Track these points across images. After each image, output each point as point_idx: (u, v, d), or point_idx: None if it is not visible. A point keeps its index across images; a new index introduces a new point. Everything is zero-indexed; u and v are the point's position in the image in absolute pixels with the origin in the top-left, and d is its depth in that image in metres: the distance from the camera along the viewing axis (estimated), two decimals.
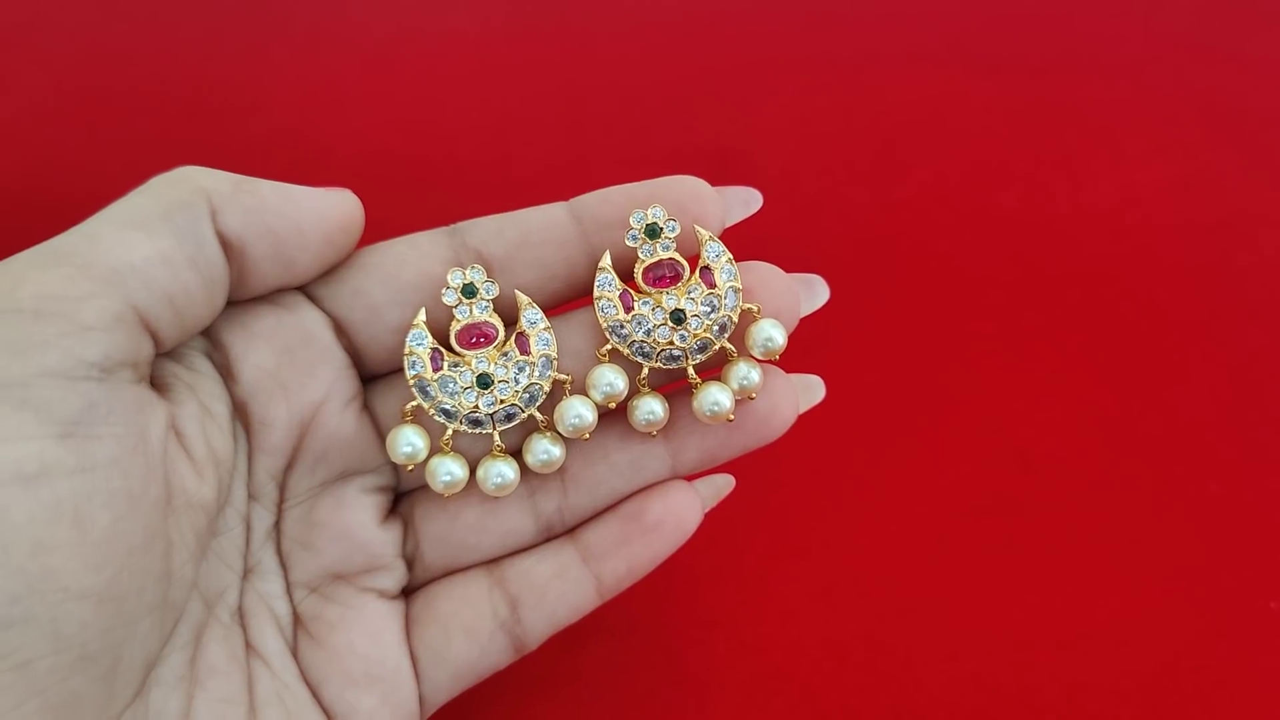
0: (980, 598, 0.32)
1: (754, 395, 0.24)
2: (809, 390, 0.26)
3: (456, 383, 0.24)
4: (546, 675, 0.30)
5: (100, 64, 0.40)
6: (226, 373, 0.23)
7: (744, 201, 0.25)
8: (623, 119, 0.43)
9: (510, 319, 0.24)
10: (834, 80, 0.44)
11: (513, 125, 0.42)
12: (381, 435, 0.25)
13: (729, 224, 0.25)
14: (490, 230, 0.25)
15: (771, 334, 0.24)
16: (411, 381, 0.24)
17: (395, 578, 0.25)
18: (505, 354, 0.24)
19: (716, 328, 0.24)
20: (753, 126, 0.43)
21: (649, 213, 0.24)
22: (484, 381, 0.24)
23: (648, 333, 0.24)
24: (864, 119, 0.43)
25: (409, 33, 0.42)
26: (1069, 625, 0.31)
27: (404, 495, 0.26)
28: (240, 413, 0.23)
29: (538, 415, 0.24)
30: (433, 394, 0.24)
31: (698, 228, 0.24)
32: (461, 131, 0.42)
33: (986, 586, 0.32)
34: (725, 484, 0.26)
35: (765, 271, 0.25)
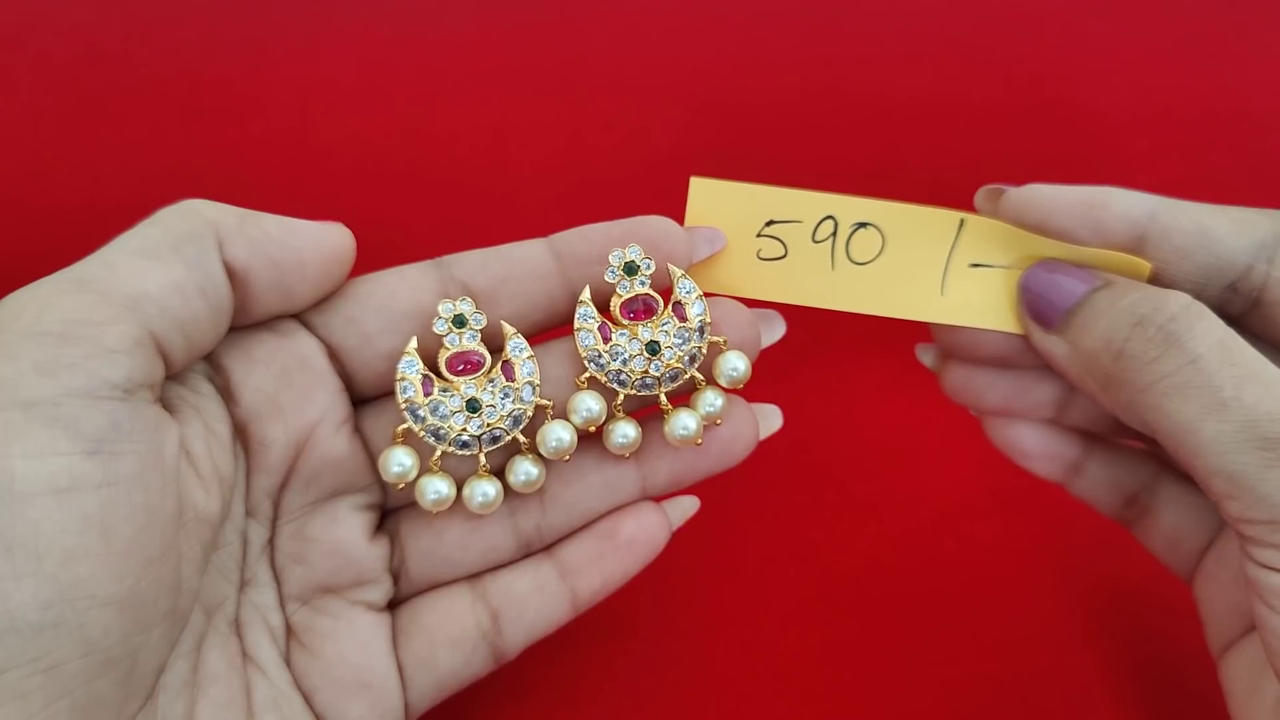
0: (980, 598, 0.32)
1: (720, 420, 0.26)
2: (767, 419, 0.28)
3: (446, 407, 0.25)
4: (547, 680, 0.31)
5: (98, 64, 0.39)
6: (227, 395, 0.24)
7: (709, 240, 0.27)
8: (622, 119, 0.42)
9: (496, 347, 0.26)
10: (834, 80, 0.43)
11: (512, 125, 0.41)
12: (371, 456, 0.26)
13: (695, 261, 0.27)
14: (475, 264, 0.26)
15: (737, 364, 0.26)
16: (403, 405, 0.25)
17: (383, 591, 0.26)
18: (492, 380, 0.26)
19: (687, 358, 0.26)
20: (752, 127, 0.43)
21: (627, 251, 0.26)
22: (473, 406, 0.25)
23: (624, 362, 0.26)
24: (864, 119, 0.43)
25: (408, 33, 0.41)
26: (1069, 625, 0.32)
27: (391, 513, 0.27)
28: (240, 433, 0.25)
29: (521, 438, 0.26)
30: (423, 417, 0.25)
31: (671, 266, 0.26)
32: (460, 132, 0.41)
33: (986, 586, 0.33)
34: (691, 506, 0.28)
35: (730, 307, 0.27)
